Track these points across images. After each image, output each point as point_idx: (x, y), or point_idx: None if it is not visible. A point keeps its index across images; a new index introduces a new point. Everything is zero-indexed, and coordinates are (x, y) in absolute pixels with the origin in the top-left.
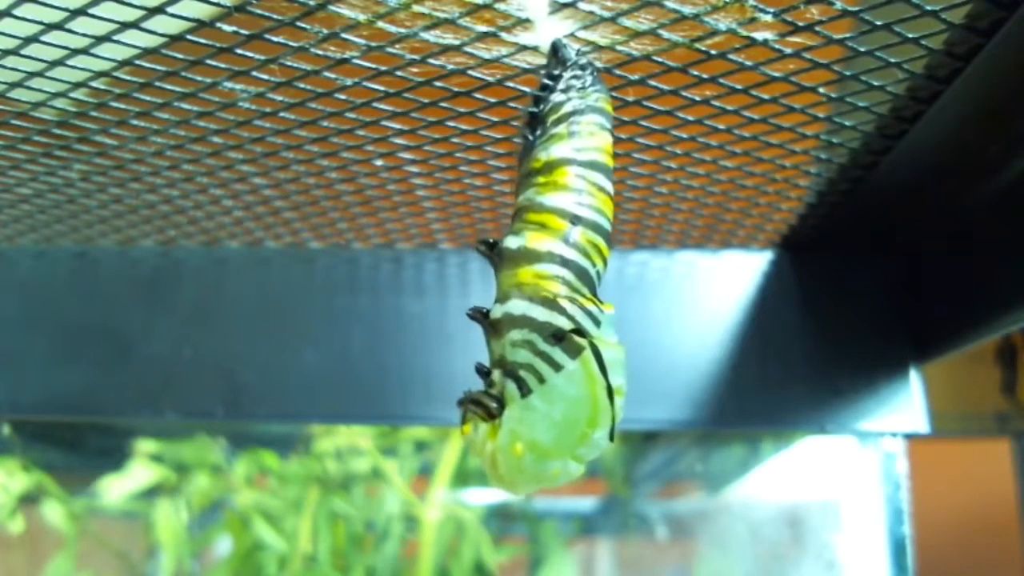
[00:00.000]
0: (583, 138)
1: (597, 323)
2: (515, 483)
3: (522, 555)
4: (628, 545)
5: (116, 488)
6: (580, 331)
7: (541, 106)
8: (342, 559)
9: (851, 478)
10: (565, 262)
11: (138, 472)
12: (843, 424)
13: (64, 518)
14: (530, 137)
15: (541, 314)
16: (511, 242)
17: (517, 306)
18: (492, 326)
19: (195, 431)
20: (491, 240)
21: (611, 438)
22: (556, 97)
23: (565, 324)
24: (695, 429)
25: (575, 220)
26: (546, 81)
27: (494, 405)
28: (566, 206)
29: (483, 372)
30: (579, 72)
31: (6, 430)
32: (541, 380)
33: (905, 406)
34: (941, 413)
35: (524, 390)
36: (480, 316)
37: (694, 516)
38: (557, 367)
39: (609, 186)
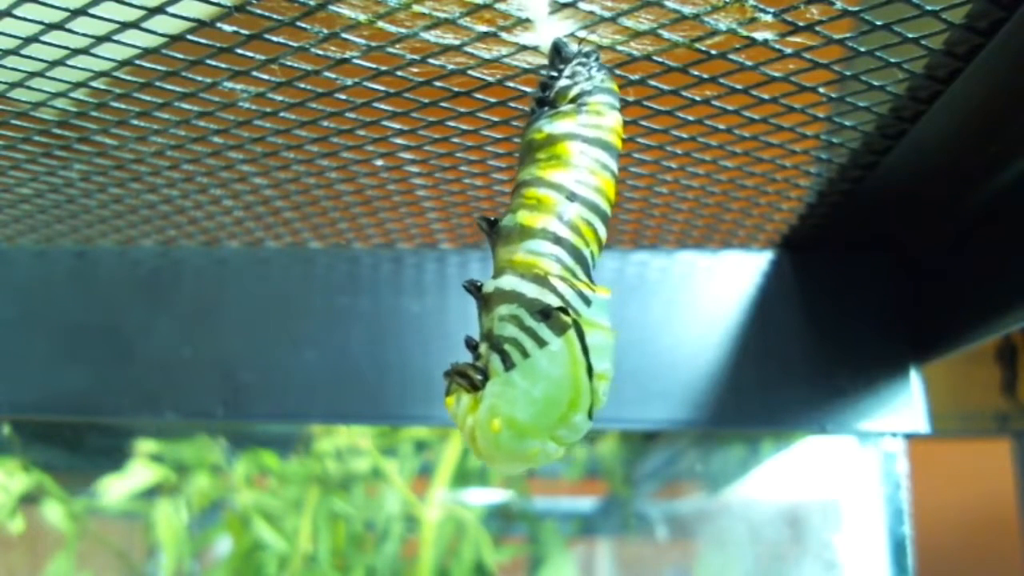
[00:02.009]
0: (591, 116)
1: (588, 303)
2: (493, 458)
3: (522, 555)
4: (628, 545)
5: (116, 488)
6: (567, 310)
7: (548, 92)
8: (342, 559)
9: (851, 478)
10: (558, 239)
11: (138, 472)
12: (843, 424)
13: (64, 518)
14: (537, 110)
15: (531, 290)
16: (507, 220)
17: (508, 281)
18: (484, 300)
19: (195, 431)
20: (492, 218)
21: (590, 417)
22: (563, 83)
23: (554, 302)
24: (695, 429)
25: (571, 197)
26: (552, 73)
27: (479, 377)
28: (564, 182)
29: (471, 345)
30: (584, 60)
31: (6, 430)
32: (525, 355)
33: (905, 406)
34: (941, 413)
35: (508, 364)
36: (474, 289)
37: (694, 516)
38: (542, 343)
39: (613, 165)
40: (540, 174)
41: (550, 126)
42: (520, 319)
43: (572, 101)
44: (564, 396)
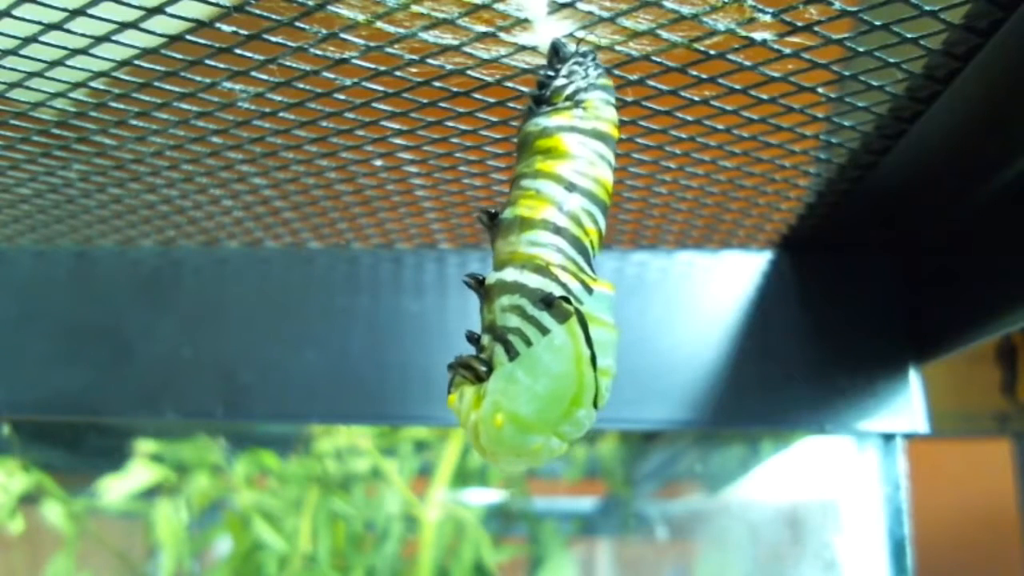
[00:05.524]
0: (587, 110)
1: (589, 291)
2: (495, 455)
3: (522, 555)
4: (628, 545)
5: (116, 488)
6: (569, 299)
7: (544, 90)
8: (342, 559)
9: (851, 478)
10: (558, 229)
11: (138, 472)
12: (843, 424)
13: (64, 518)
14: (534, 108)
15: (533, 281)
16: (507, 212)
17: (510, 273)
18: (485, 292)
19: (195, 431)
20: (492, 211)
21: (596, 405)
22: (559, 82)
23: (556, 291)
24: (695, 429)
25: (571, 188)
26: (549, 72)
27: (483, 368)
28: (563, 173)
29: (473, 338)
30: (581, 59)
31: (6, 430)
32: (528, 343)
33: (905, 406)
34: (941, 413)
35: (512, 353)
36: (475, 282)
37: (694, 516)
38: (545, 331)
39: (611, 156)
40: (539, 167)
41: (547, 120)
42: (523, 308)
43: (568, 99)
44: (567, 391)
